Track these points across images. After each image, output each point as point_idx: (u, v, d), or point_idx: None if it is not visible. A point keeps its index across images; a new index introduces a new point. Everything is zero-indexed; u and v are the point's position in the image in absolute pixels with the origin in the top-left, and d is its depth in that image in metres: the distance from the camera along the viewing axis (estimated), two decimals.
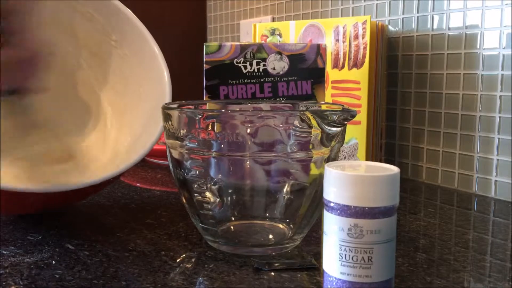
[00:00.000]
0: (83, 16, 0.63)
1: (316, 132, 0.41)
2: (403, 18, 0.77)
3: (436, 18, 0.73)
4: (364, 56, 0.70)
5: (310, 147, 0.42)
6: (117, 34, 0.64)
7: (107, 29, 0.64)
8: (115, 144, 0.65)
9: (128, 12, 0.63)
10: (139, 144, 0.57)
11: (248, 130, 0.40)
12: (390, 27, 0.79)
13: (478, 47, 0.68)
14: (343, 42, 0.71)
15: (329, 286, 0.35)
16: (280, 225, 0.46)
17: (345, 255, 0.33)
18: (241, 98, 0.60)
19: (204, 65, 0.59)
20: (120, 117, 0.66)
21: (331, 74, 0.73)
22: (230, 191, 0.44)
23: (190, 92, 1.26)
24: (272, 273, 0.41)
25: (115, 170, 0.50)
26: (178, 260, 0.44)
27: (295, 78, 0.60)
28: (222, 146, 0.41)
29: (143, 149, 0.54)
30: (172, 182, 0.73)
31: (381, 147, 0.79)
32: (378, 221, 0.33)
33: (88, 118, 0.70)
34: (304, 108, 0.53)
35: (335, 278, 0.34)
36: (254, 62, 0.59)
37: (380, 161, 0.77)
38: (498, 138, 0.66)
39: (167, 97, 0.59)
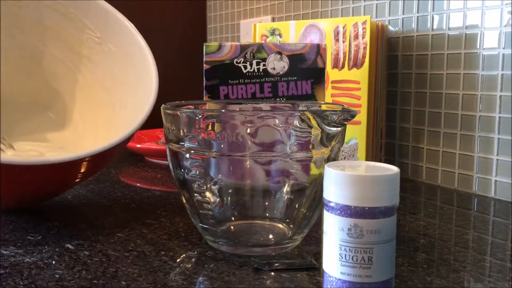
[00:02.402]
0: (65, 17, 0.64)
1: (316, 132, 0.41)
2: (403, 18, 0.77)
3: (436, 18, 0.73)
4: (364, 56, 0.70)
5: (310, 147, 0.42)
6: (100, 30, 0.64)
7: (90, 27, 0.64)
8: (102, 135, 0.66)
9: (109, 6, 0.63)
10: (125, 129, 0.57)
11: (248, 130, 0.40)
12: (390, 27, 0.79)
13: (478, 47, 0.68)
14: (343, 42, 0.71)
15: (329, 286, 0.35)
16: (280, 225, 0.46)
17: (345, 255, 0.33)
18: (241, 98, 0.60)
19: (204, 65, 0.59)
20: (110, 111, 0.67)
21: (331, 74, 0.73)
22: (230, 191, 0.44)
23: (190, 92, 1.26)
24: (272, 273, 0.41)
25: (91, 149, 0.50)
26: (178, 260, 0.44)
27: (295, 78, 0.60)
28: (222, 146, 0.41)
29: (125, 132, 0.53)
30: (172, 182, 0.73)
31: (381, 147, 0.79)
32: (378, 221, 0.33)
33: (65, 115, 0.71)
34: (304, 108, 0.53)
35: (335, 278, 0.34)
36: (254, 62, 0.59)
37: (380, 161, 0.77)
38: (498, 138, 0.66)
39: (154, 83, 0.59)
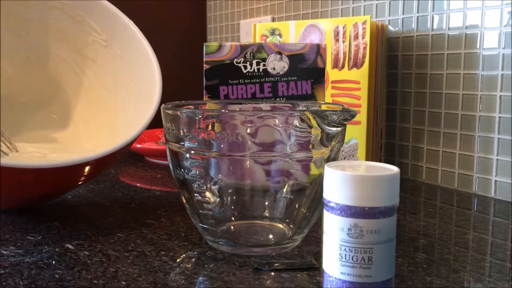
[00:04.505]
0: (72, 19, 0.64)
1: (316, 132, 0.41)
2: (403, 18, 0.77)
3: (436, 18, 0.73)
4: (364, 56, 0.70)
5: (310, 147, 0.42)
6: (107, 33, 0.64)
7: (97, 30, 0.64)
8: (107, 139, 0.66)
9: (116, 10, 0.63)
10: (128, 132, 0.57)
11: (248, 130, 0.40)
12: (390, 27, 0.79)
13: (478, 47, 0.68)
14: (343, 42, 0.71)
15: (329, 286, 0.35)
16: (280, 225, 0.46)
17: (345, 255, 0.33)
18: (241, 98, 0.60)
19: (204, 65, 0.59)
20: (113, 114, 0.67)
21: (331, 74, 0.73)
22: (230, 191, 0.44)
23: (190, 92, 1.26)
24: (272, 273, 0.41)
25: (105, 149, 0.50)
26: (178, 260, 0.44)
27: (295, 78, 0.60)
28: (222, 146, 0.41)
29: (129, 136, 0.53)
30: (172, 182, 0.73)
31: (381, 147, 0.79)
32: (378, 221, 0.33)
33: (67, 116, 0.71)
34: (304, 108, 0.53)
35: (335, 278, 0.34)
36: (254, 62, 0.59)
37: (380, 161, 0.77)
38: (498, 138, 0.66)
39: (157, 88, 0.59)
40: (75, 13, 0.64)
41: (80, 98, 0.70)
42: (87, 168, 0.50)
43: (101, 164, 0.51)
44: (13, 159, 0.47)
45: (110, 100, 0.67)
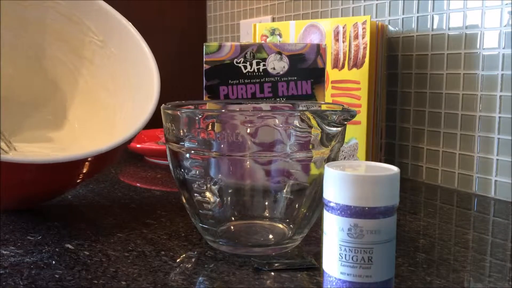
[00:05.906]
0: (69, 19, 0.64)
1: (316, 132, 0.41)
2: (403, 18, 0.77)
3: (436, 18, 0.73)
4: (364, 56, 0.70)
5: (310, 147, 0.42)
6: (103, 34, 0.64)
7: (93, 30, 0.64)
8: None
9: (112, 10, 0.63)
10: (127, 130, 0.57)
11: (248, 130, 0.40)
12: (390, 27, 0.79)
13: (478, 47, 0.68)
14: (343, 42, 0.71)
15: (329, 286, 0.35)
16: (280, 225, 0.46)
17: (345, 255, 0.33)
18: (241, 98, 0.60)
19: (204, 65, 0.59)
20: (111, 113, 0.67)
21: (331, 74, 0.73)
22: (230, 191, 0.44)
23: (190, 92, 1.26)
24: (272, 273, 0.41)
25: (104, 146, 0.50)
26: (178, 260, 0.44)
27: (295, 78, 0.60)
28: (222, 146, 0.41)
29: (127, 133, 0.53)
30: (172, 182, 0.73)
31: (381, 147, 0.79)
32: (378, 221, 0.33)
33: (64, 116, 0.71)
34: (304, 108, 0.53)
35: (335, 278, 0.34)
36: (254, 62, 0.59)
37: (380, 161, 0.77)
38: (498, 138, 0.66)
39: (155, 86, 0.59)
40: (71, 13, 0.64)
41: (77, 98, 0.70)
42: (86, 165, 0.50)
43: (100, 161, 0.51)
44: (14, 156, 0.48)
45: (108, 100, 0.67)
